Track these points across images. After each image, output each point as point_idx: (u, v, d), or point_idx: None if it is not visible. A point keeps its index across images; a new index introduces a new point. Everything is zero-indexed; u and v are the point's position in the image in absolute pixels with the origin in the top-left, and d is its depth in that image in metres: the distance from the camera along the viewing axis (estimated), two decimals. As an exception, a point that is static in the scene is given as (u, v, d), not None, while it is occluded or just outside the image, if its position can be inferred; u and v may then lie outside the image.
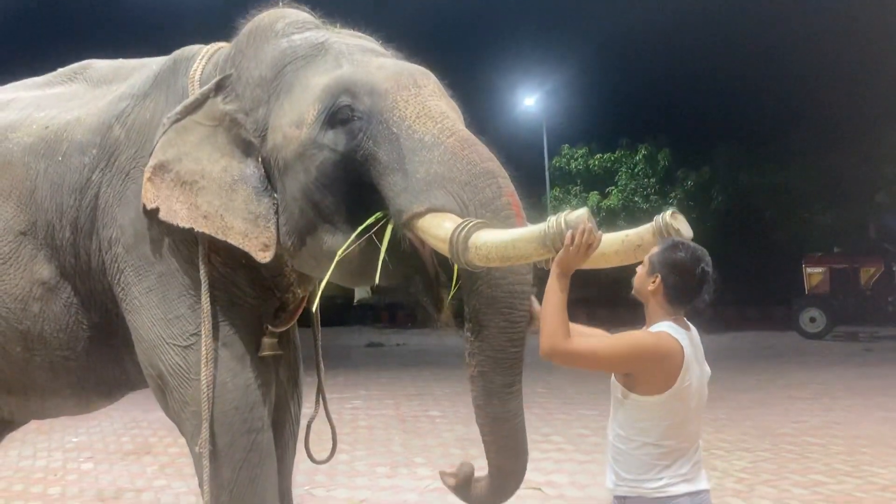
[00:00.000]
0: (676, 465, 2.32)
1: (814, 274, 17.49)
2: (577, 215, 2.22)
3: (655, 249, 2.38)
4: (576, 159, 23.50)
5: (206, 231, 2.96)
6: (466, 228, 2.36)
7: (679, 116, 23.07)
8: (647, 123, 23.11)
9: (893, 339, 16.24)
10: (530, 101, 26.07)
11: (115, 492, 6.20)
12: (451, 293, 2.64)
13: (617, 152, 22.76)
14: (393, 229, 2.69)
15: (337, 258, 2.73)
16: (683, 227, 2.35)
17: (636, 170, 21.94)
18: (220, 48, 3.37)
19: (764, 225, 21.00)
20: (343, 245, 2.72)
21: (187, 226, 2.96)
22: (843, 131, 20.06)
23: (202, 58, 3.30)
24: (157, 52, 3.65)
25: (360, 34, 3.25)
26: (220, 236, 2.95)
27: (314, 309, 3.75)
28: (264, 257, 2.93)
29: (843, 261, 17.61)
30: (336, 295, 3.94)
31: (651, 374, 2.30)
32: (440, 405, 9.67)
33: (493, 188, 2.60)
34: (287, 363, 3.67)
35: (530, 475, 5.82)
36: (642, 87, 24.81)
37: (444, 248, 2.43)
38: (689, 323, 2.45)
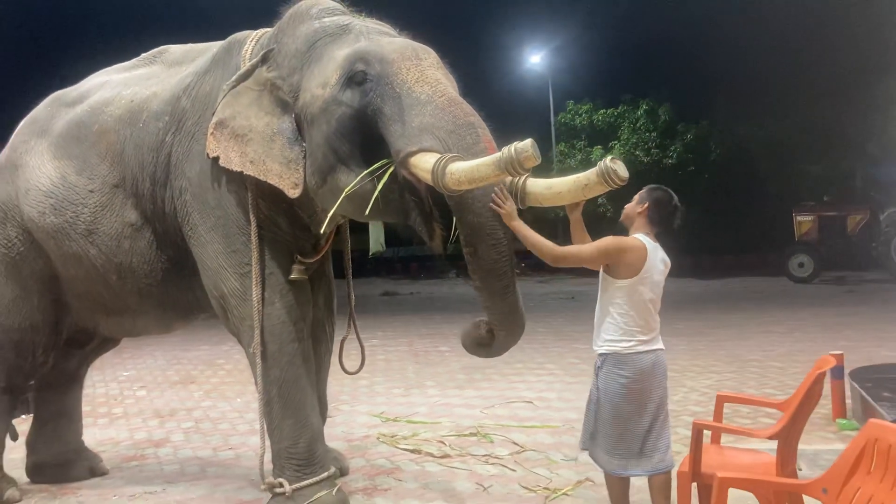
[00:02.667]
0: (640, 334, 3.39)
1: (803, 222, 18.24)
2: (524, 143, 3.02)
3: (643, 191, 3.51)
4: (580, 115, 24.04)
5: (252, 174, 3.80)
6: (444, 160, 3.20)
7: (681, 71, 23.44)
8: (649, 79, 23.60)
9: (876, 282, 17.03)
10: (536, 58, 26.66)
11: (170, 411, 7.26)
12: (452, 236, 3.50)
13: (620, 107, 23.32)
14: (392, 174, 3.50)
15: (345, 193, 3.56)
16: (621, 170, 3.12)
17: (638, 124, 22.53)
18: (265, 32, 4.22)
19: (759, 176, 21.55)
20: (352, 183, 3.55)
21: (238, 169, 3.81)
22: (836, 83, 20.47)
23: (252, 40, 4.17)
24: (218, 36, 4.51)
25: (379, 22, 4.06)
26: (261, 177, 3.78)
27: (346, 253, 4.71)
28: (294, 193, 3.77)
29: (831, 209, 18.32)
30: (353, 248, 4.81)
31: (622, 262, 3.36)
32: (449, 342, 10.64)
33: (473, 136, 3.42)
34: (323, 292, 4.63)
35: (524, 393, 6.91)
36: (646, 43, 25.19)
37: (428, 178, 3.26)
38: (657, 242, 3.52)
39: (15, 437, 5.06)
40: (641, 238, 3.41)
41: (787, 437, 3.20)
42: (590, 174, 3.15)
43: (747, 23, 20.93)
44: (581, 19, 26.65)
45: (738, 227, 20.81)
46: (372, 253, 5.46)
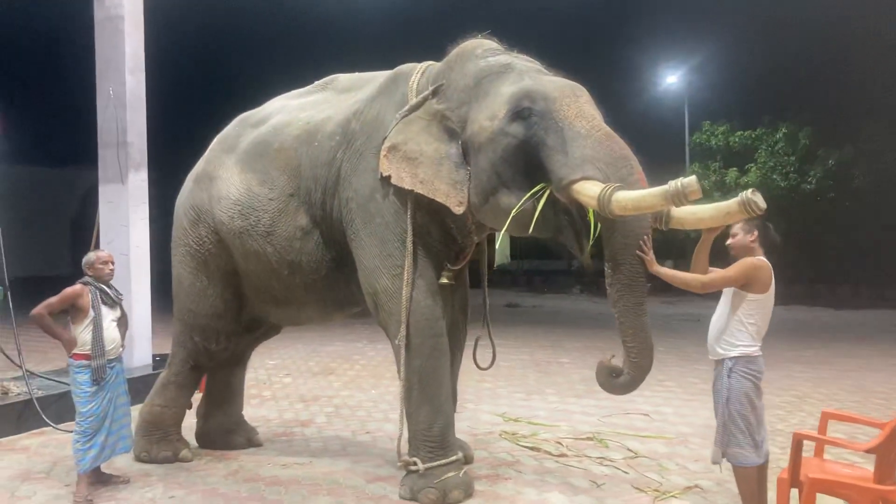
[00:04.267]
0: (759, 340, 3.89)
1: (950, 255, 17.34)
2: (690, 179, 3.54)
3: (744, 224, 3.91)
4: (716, 136, 23.53)
5: (422, 192, 4.38)
6: (611, 189, 3.73)
7: (824, 94, 22.54)
8: (790, 101, 22.77)
9: None
10: (672, 78, 26.43)
11: (313, 396, 8.03)
12: (591, 240, 4.00)
13: (758, 130, 22.71)
14: (549, 195, 4.04)
15: (513, 213, 4.12)
16: (760, 201, 3.51)
17: (776, 147, 21.87)
18: (429, 65, 4.86)
19: (907, 205, 20.54)
20: (516, 204, 4.11)
21: (409, 188, 4.41)
22: None
23: (417, 73, 4.81)
24: (382, 66, 5.19)
25: (530, 59, 4.64)
26: (430, 195, 4.38)
27: (483, 264, 5.24)
28: (459, 210, 4.37)
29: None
30: (477, 260, 5.30)
31: (758, 280, 3.85)
32: (570, 354, 11.03)
33: (627, 168, 3.97)
34: (459, 297, 5.18)
35: (641, 406, 7.22)
36: (787, 64, 24.29)
37: (593, 203, 3.78)
38: None
39: (189, 406, 5.87)
40: (765, 259, 3.87)
41: (886, 453, 3.44)
42: (731, 203, 3.57)
43: (898, 44, 19.94)
44: (720, 38, 26.06)
45: (880, 258, 19.87)
46: (497, 265, 5.84)
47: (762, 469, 3.90)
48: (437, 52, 4.84)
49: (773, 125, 22.50)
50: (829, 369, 9.78)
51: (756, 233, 3.91)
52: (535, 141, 4.08)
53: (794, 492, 3.69)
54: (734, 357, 3.87)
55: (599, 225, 3.93)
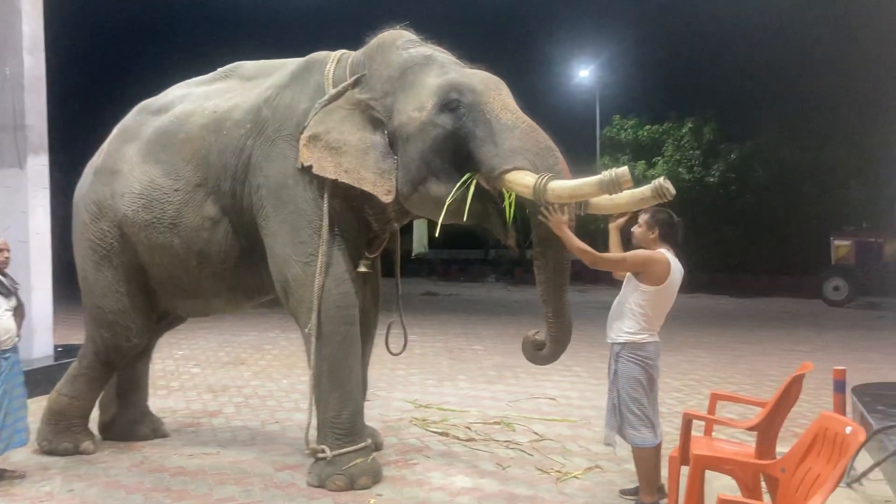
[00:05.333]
0: (651, 328, 4.04)
1: (840, 246, 18.40)
2: (623, 169, 3.75)
3: (648, 217, 4.13)
4: (625, 130, 24.29)
5: (347, 181, 4.40)
6: (545, 178, 3.91)
7: (727, 91, 23.57)
8: (695, 97, 23.67)
9: (910, 309, 17.03)
10: (585, 72, 27.05)
11: (222, 387, 7.92)
12: (508, 224, 4.20)
13: (665, 124, 23.51)
14: (476, 184, 4.19)
15: (448, 201, 4.21)
16: (671, 187, 3.75)
17: (682, 142, 22.72)
18: (343, 54, 4.85)
19: (802, 199, 21.55)
20: (447, 193, 4.21)
21: (332, 177, 4.42)
22: (886, 110, 20.36)
23: (332, 61, 4.80)
24: (285, 53, 5.17)
25: (443, 49, 4.72)
26: (356, 184, 4.40)
27: (396, 251, 5.31)
28: (388, 198, 4.41)
29: (869, 235, 18.43)
30: (394, 249, 5.35)
31: (649, 272, 4.00)
32: (483, 342, 11.21)
33: (553, 158, 4.17)
34: (371, 284, 5.21)
35: (548, 391, 7.42)
36: (693, 62, 25.32)
37: (527, 192, 3.94)
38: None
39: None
40: (666, 253, 4.03)
41: (767, 430, 3.68)
42: (645, 190, 3.82)
43: (796, 46, 20.99)
44: (630, 35, 26.89)
45: (777, 249, 20.92)
46: (415, 254, 5.87)
47: (657, 449, 4.10)
48: (347, 42, 4.85)
49: (679, 120, 23.33)
50: (726, 354, 10.28)
51: (658, 230, 4.10)
52: (465, 132, 4.20)
53: (685, 469, 3.88)
54: (621, 343, 4.06)
55: (514, 210, 4.14)
